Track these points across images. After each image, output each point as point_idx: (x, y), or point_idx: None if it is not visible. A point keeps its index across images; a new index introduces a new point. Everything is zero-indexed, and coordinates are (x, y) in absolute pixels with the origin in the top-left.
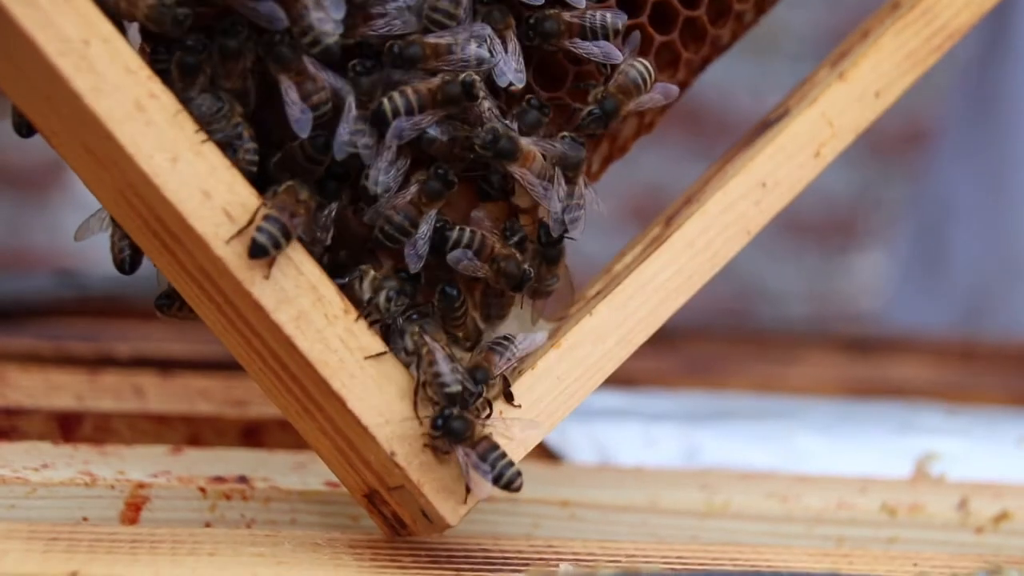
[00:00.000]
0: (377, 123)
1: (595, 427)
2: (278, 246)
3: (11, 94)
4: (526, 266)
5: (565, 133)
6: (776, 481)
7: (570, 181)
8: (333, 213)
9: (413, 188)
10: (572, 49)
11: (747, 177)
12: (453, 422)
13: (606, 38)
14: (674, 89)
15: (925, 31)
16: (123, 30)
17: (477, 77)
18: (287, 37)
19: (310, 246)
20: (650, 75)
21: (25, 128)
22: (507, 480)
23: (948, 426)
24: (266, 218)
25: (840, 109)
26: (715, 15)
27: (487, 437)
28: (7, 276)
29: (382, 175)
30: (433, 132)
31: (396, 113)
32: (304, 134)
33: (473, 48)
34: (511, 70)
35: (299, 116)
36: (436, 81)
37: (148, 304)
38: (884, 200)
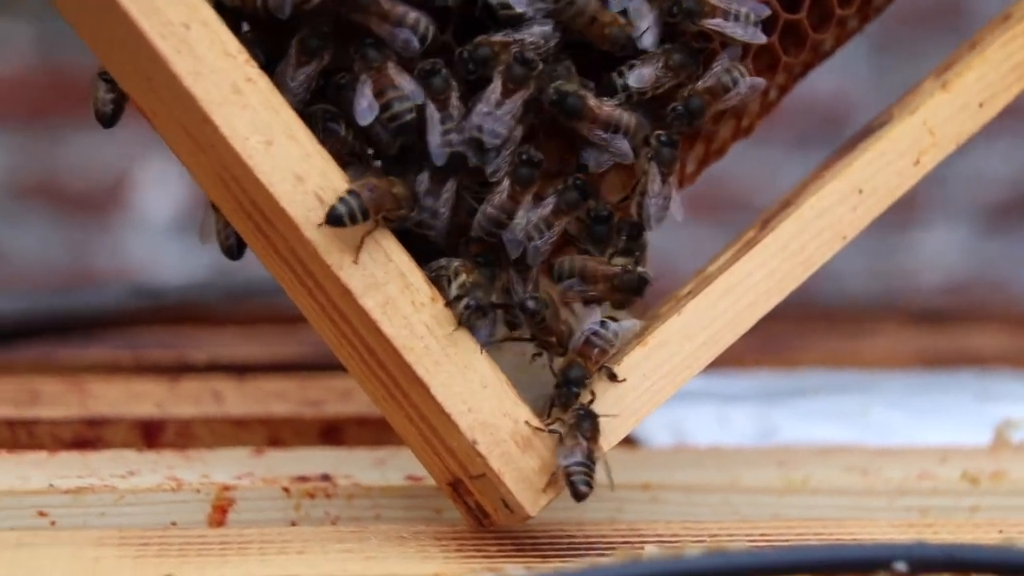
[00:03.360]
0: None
1: (670, 410)
2: (354, 219)
3: (117, 75)
4: (641, 269)
5: (660, 132)
6: (855, 454)
7: (664, 178)
8: (454, 187)
9: (506, 183)
10: (714, 29)
11: (844, 182)
12: (584, 419)
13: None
14: (760, 81)
15: None
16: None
17: (528, 51)
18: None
19: (430, 220)
20: (742, 78)
21: None
22: (578, 485)
23: None
24: (349, 192)
25: (942, 118)
26: (818, 21)
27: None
28: (84, 290)
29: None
30: None
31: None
32: (363, 123)
33: (536, 28)
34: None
35: (364, 106)
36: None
37: (222, 311)
38: (948, 176)
